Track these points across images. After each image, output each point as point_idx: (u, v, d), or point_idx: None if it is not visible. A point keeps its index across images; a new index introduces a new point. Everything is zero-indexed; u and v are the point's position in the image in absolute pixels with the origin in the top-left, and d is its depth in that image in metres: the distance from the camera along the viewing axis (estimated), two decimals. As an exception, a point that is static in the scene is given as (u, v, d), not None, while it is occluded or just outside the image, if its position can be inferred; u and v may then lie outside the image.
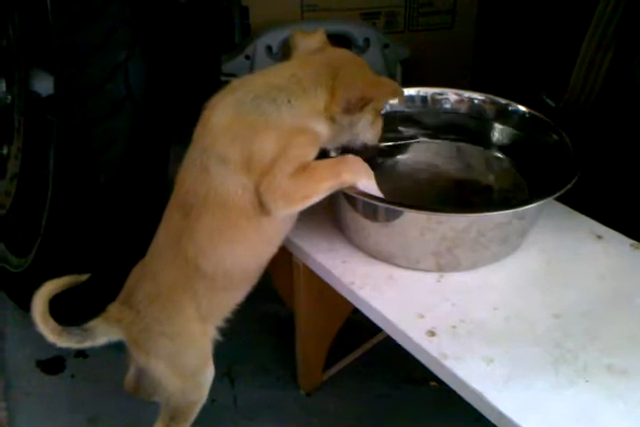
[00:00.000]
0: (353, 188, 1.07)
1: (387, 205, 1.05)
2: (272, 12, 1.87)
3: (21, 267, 1.51)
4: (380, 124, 1.16)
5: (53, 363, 1.54)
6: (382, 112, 1.18)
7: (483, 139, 1.33)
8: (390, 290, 1.10)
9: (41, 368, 1.53)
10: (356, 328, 1.42)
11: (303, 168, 1.03)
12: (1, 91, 1.63)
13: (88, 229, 1.34)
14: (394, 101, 1.31)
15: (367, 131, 1.14)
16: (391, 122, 1.31)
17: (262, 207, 1.04)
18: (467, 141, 1.35)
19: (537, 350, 0.99)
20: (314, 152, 1.07)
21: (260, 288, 1.17)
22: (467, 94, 1.35)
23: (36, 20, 1.37)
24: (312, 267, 1.20)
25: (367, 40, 1.85)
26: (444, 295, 1.09)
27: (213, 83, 1.72)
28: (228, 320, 1.17)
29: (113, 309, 1.15)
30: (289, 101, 1.04)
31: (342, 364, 1.52)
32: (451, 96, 1.36)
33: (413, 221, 1.05)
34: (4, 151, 1.67)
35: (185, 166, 1.09)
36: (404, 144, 1.36)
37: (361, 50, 1.85)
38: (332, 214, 1.22)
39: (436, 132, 1.36)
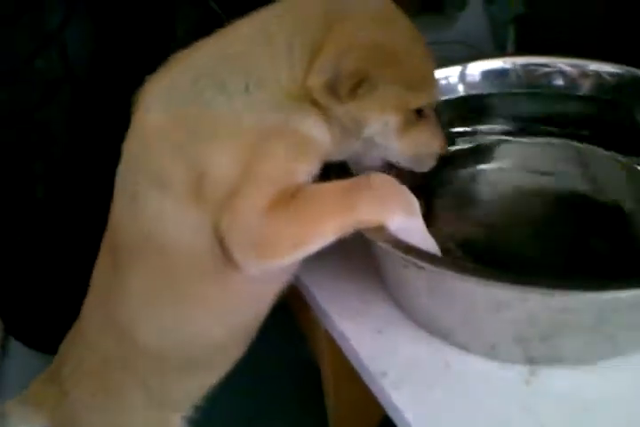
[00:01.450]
0: (381, 229, 0.63)
1: (432, 268, 0.60)
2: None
3: None
4: (425, 137, 0.72)
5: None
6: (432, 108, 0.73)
7: (618, 138, 0.85)
8: (444, 391, 0.67)
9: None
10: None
11: (289, 196, 0.62)
12: None
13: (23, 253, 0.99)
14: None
15: (388, 143, 0.70)
16: (465, 110, 0.86)
17: (228, 257, 0.63)
18: (591, 142, 0.86)
19: None
20: (305, 168, 0.65)
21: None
22: (593, 66, 0.86)
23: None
24: (332, 333, 0.78)
25: (465, -8, 1.40)
26: (535, 408, 0.64)
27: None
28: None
29: (35, 387, 0.79)
30: (246, 86, 0.63)
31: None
32: (565, 68, 0.87)
33: (481, 292, 0.61)
34: None
35: (115, 191, 0.70)
36: (487, 146, 0.89)
37: (457, 6, 1.41)
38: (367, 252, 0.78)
39: (539, 126, 0.89)
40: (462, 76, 0.89)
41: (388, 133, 0.69)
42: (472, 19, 1.40)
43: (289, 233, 0.62)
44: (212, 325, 0.71)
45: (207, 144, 0.63)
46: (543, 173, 0.84)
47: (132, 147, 0.68)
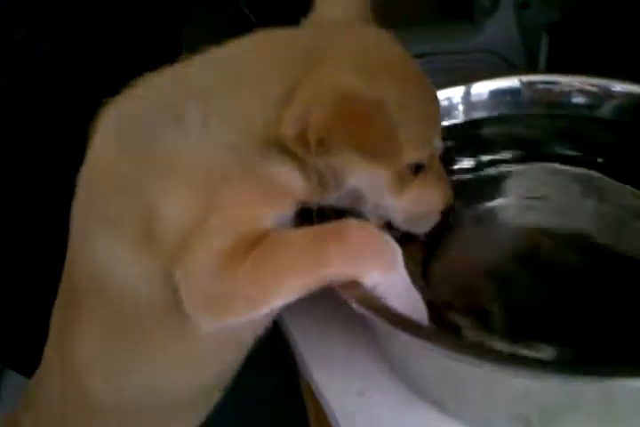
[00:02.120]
0: (355, 285, 0.54)
1: (409, 336, 0.51)
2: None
3: None
4: (426, 193, 0.63)
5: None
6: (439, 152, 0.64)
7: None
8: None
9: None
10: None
11: (252, 244, 0.54)
12: None
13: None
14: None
15: (383, 202, 0.61)
16: (468, 136, 0.76)
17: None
18: (611, 173, 0.76)
19: None
20: (273, 212, 0.57)
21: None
22: (618, 86, 0.75)
23: None
24: (314, 390, 0.69)
25: (496, -4, 1.29)
26: None
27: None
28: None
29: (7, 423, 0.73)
30: (205, 120, 0.55)
31: None
32: (585, 88, 0.77)
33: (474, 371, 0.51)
34: None
35: (70, 227, 0.63)
36: (492, 178, 0.79)
37: (486, 11, 1.29)
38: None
39: (551, 151, 0.78)
40: (466, 98, 0.79)
41: (379, 191, 0.60)
42: (501, 26, 1.30)
43: (245, 289, 0.54)
44: (174, 378, 0.64)
45: (160, 183, 0.56)
46: (557, 211, 0.74)
47: (84, 182, 0.61)
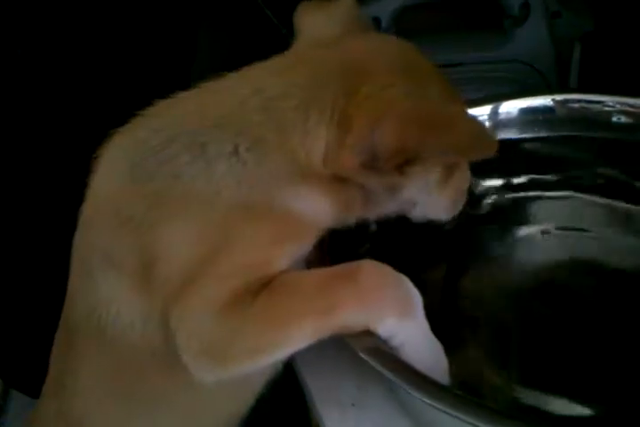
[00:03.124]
0: (368, 335, 0.50)
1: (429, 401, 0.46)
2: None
3: None
4: (461, 178, 0.60)
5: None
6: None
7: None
8: None
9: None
10: None
11: (259, 288, 0.50)
12: None
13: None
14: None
15: (430, 199, 0.58)
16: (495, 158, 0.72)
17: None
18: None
19: None
20: (289, 252, 0.53)
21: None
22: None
23: None
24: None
25: (526, 5, 1.23)
26: None
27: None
28: None
29: None
30: (235, 150, 0.51)
31: None
32: (625, 109, 0.71)
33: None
34: None
35: (72, 261, 0.59)
36: (520, 203, 0.74)
37: (517, 21, 1.23)
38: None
39: (588, 178, 0.73)
40: (494, 116, 0.74)
41: (429, 190, 0.58)
42: (532, 35, 1.24)
43: (248, 339, 0.50)
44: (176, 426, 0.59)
45: (171, 221, 0.52)
46: (589, 244, 0.69)
47: (85, 217, 0.58)
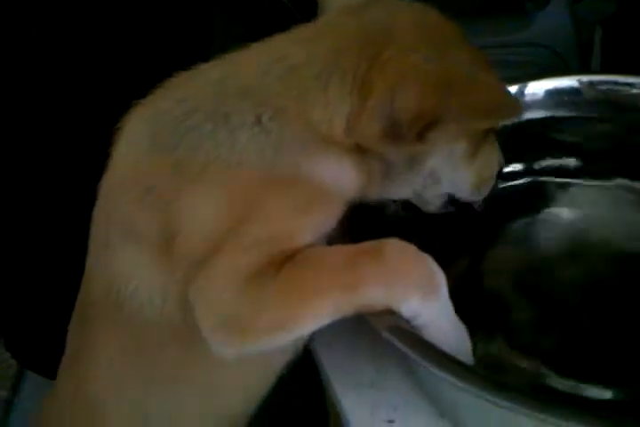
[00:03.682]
0: (390, 314, 0.49)
1: (458, 382, 0.45)
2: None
3: None
4: (490, 155, 0.59)
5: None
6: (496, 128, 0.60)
7: None
8: None
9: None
10: None
11: (282, 261, 0.49)
12: None
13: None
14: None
15: (455, 174, 0.57)
16: (520, 141, 0.70)
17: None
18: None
19: None
20: (315, 224, 0.52)
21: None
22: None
23: None
24: (341, 417, 0.64)
25: (547, -11, 1.23)
26: None
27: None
28: None
29: None
30: (258, 120, 0.51)
31: None
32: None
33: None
34: None
35: (90, 235, 0.59)
36: (546, 188, 0.72)
37: (538, 4, 1.22)
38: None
39: (612, 164, 0.71)
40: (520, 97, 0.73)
41: (454, 163, 0.57)
42: (554, 18, 1.23)
43: (269, 312, 0.49)
44: (198, 407, 0.59)
45: (194, 190, 0.51)
46: (615, 230, 0.67)
47: (106, 189, 0.57)
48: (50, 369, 0.71)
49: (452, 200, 0.60)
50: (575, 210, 0.71)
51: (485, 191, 0.61)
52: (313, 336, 0.66)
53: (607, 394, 0.54)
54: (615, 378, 0.55)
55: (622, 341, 0.59)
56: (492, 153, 0.60)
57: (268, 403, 0.65)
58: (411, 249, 0.50)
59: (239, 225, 0.49)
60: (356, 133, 0.51)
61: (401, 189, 0.58)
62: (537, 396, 0.43)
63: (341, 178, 0.53)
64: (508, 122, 0.60)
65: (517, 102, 0.54)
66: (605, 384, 0.54)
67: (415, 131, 0.49)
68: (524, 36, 1.26)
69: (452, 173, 0.57)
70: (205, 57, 0.93)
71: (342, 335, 0.65)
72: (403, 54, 0.51)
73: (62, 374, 0.64)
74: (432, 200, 0.60)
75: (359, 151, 0.53)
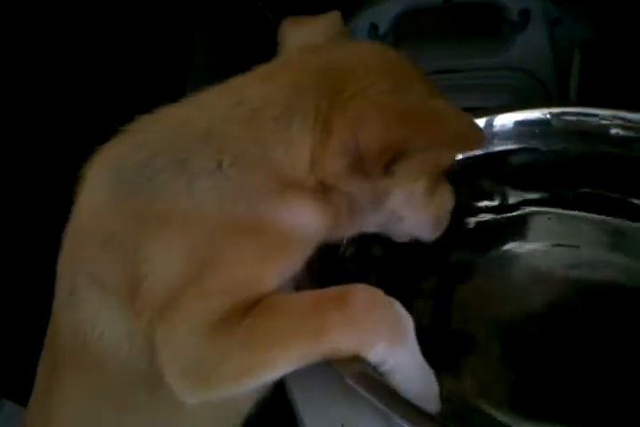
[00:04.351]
0: (357, 360, 0.48)
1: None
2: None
3: None
4: (445, 193, 0.60)
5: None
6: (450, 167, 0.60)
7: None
8: None
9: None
10: None
11: (247, 308, 0.49)
12: None
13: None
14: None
15: (415, 211, 0.57)
16: (489, 173, 0.71)
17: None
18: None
19: None
20: (279, 270, 0.52)
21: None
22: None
23: None
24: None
25: (526, 12, 1.22)
26: None
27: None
28: None
29: None
30: (219, 166, 0.50)
31: None
32: (623, 123, 0.70)
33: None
34: None
35: (57, 279, 0.58)
36: (514, 219, 0.73)
37: (516, 27, 1.23)
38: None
39: (579, 195, 0.72)
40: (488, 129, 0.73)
41: (414, 202, 0.57)
42: (532, 42, 1.23)
43: (233, 359, 0.48)
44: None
45: (155, 237, 0.51)
46: (583, 263, 0.67)
47: (70, 235, 0.56)
48: (25, 397, 0.70)
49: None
50: (543, 242, 0.71)
51: (439, 231, 0.62)
52: (287, 376, 0.66)
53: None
54: (585, 420, 0.55)
55: (590, 379, 0.59)
56: (446, 191, 0.60)
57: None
58: (377, 294, 0.50)
59: (200, 272, 0.49)
60: (321, 171, 0.51)
61: (367, 227, 0.59)
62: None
63: (306, 222, 0.53)
64: (472, 151, 0.60)
65: (480, 131, 0.54)
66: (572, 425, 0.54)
67: (381, 164, 0.49)
68: (501, 60, 1.26)
69: (411, 212, 0.57)
70: (187, 70, 0.92)
71: (316, 374, 0.65)
72: (364, 90, 0.51)
73: (31, 411, 0.63)
74: (398, 237, 0.61)
75: (324, 192, 0.52)
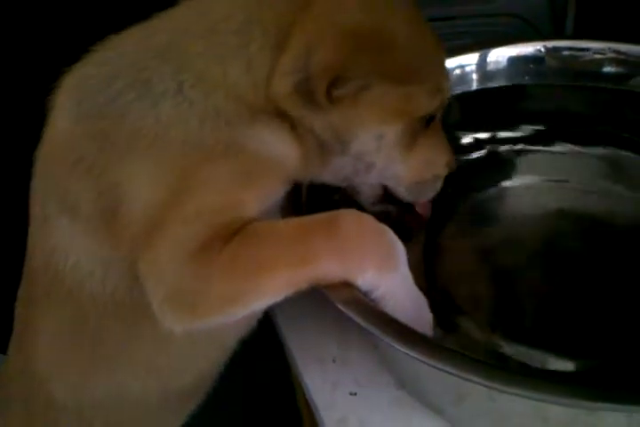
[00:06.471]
0: (348, 287, 0.47)
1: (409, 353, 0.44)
2: None
3: None
4: (433, 154, 0.57)
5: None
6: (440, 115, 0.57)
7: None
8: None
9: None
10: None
11: (230, 235, 0.47)
12: None
13: None
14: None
15: (389, 164, 0.55)
16: (481, 109, 0.69)
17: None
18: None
19: None
20: (257, 197, 0.50)
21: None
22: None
23: None
24: (304, 390, 0.63)
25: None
26: None
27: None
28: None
29: None
30: (180, 88, 0.48)
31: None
32: (617, 56, 0.69)
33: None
34: None
35: (30, 209, 0.56)
36: (508, 156, 0.71)
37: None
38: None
39: (575, 128, 0.70)
40: (481, 66, 0.71)
41: (386, 151, 0.53)
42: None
43: (220, 287, 0.47)
44: (144, 383, 0.57)
45: (124, 163, 0.49)
46: (579, 196, 0.66)
47: (41, 161, 0.54)
48: (3, 344, 0.70)
49: (388, 197, 0.58)
50: (537, 177, 0.70)
51: (426, 194, 0.58)
52: (276, 312, 0.65)
53: (568, 365, 0.53)
54: (576, 349, 0.54)
55: (582, 309, 0.58)
56: (435, 152, 0.57)
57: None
58: (368, 220, 0.49)
59: (176, 198, 0.47)
60: (270, 92, 0.48)
61: (335, 173, 0.55)
62: (488, 364, 0.42)
63: (276, 148, 0.50)
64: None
65: (442, 77, 0.52)
66: (565, 355, 0.53)
67: (323, 87, 0.46)
68: (496, 6, 1.23)
69: (384, 162, 0.54)
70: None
71: (305, 311, 0.64)
72: (331, 8, 0.48)
73: (12, 350, 0.62)
74: (365, 190, 0.57)
75: (290, 121, 0.50)
